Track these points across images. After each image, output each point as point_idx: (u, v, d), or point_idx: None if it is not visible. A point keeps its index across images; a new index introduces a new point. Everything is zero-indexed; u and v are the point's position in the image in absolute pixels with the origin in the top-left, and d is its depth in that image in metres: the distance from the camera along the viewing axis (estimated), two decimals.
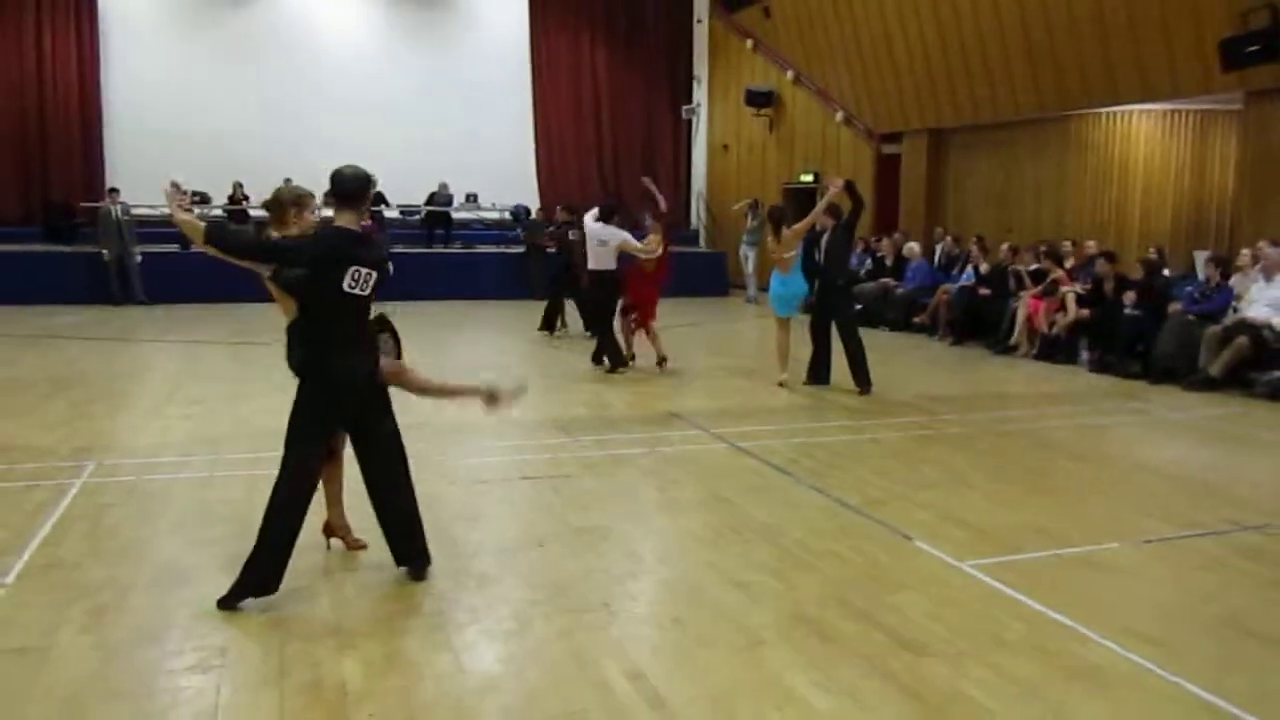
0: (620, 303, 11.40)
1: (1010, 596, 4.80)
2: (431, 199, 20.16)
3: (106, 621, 4.36)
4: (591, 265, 11.20)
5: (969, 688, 3.88)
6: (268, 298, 5.05)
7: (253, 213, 19.49)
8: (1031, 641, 4.30)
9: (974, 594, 4.84)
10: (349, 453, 5.06)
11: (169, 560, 5.13)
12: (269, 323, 14.54)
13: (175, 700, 3.72)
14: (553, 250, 15.13)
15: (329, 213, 4.87)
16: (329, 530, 5.25)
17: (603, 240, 11.06)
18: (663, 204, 11.53)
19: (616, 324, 11.38)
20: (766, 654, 4.16)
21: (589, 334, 12.40)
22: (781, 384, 10.23)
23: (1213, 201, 14.89)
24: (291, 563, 5.05)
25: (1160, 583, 5.12)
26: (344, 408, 4.80)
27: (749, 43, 21.35)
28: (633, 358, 11.51)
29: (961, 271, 14.70)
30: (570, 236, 13.85)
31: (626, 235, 11.20)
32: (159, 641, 4.20)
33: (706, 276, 20.33)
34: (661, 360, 11.22)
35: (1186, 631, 4.48)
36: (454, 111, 21.91)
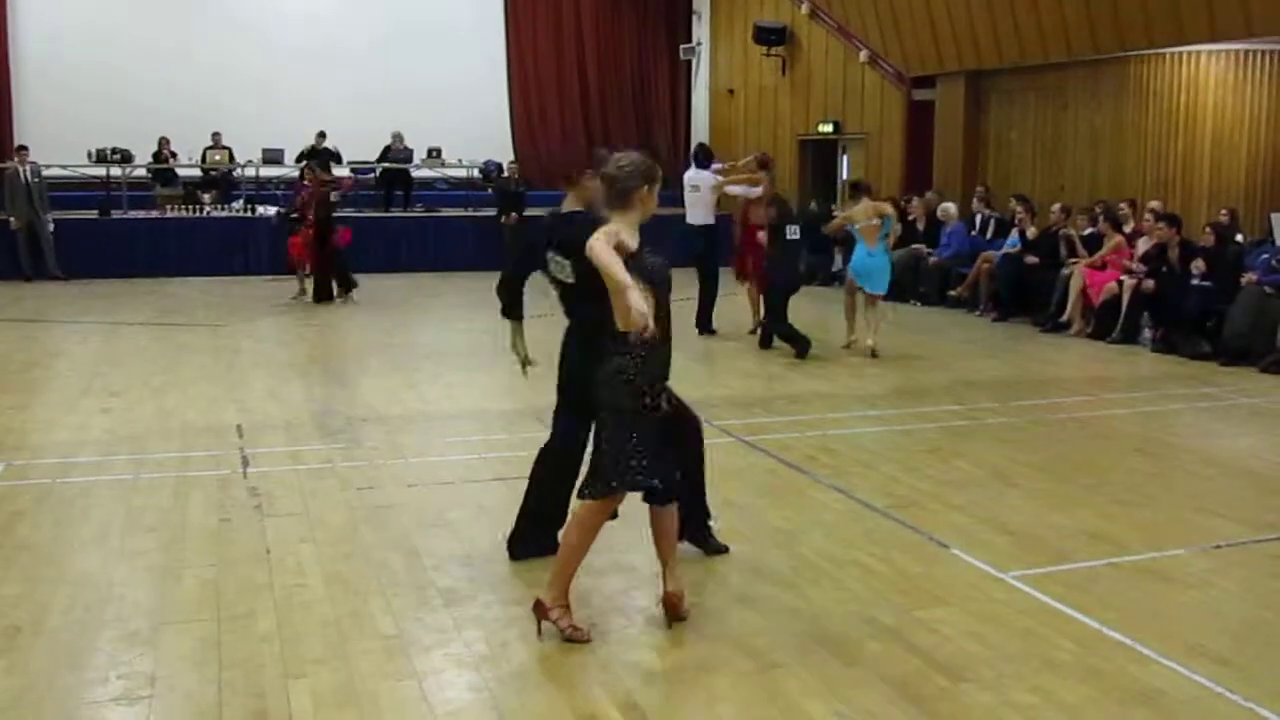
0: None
1: (1059, 611, 4.83)
2: (385, 154, 20.04)
3: (20, 645, 4.37)
4: (688, 218, 12.18)
5: (1011, 716, 3.91)
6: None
7: (181, 171, 19.44)
8: (1084, 663, 4.33)
9: (1018, 609, 4.87)
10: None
11: (90, 575, 5.14)
12: (195, 301, 14.64)
13: None
14: (295, 216, 15.25)
15: None
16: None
17: (694, 185, 12.24)
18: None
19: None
20: (780, 679, 4.18)
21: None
22: (847, 346, 11.41)
23: None
24: (226, 578, 5.10)
25: (1231, 594, 5.15)
26: None
27: None
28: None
29: (1005, 237, 14.70)
30: (332, 199, 14.70)
31: (719, 178, 12.38)
32: (80, 668, 4.21)
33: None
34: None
35: (1260, 650, 4.51)
36: (415, 55, 21.75)
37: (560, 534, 4.90)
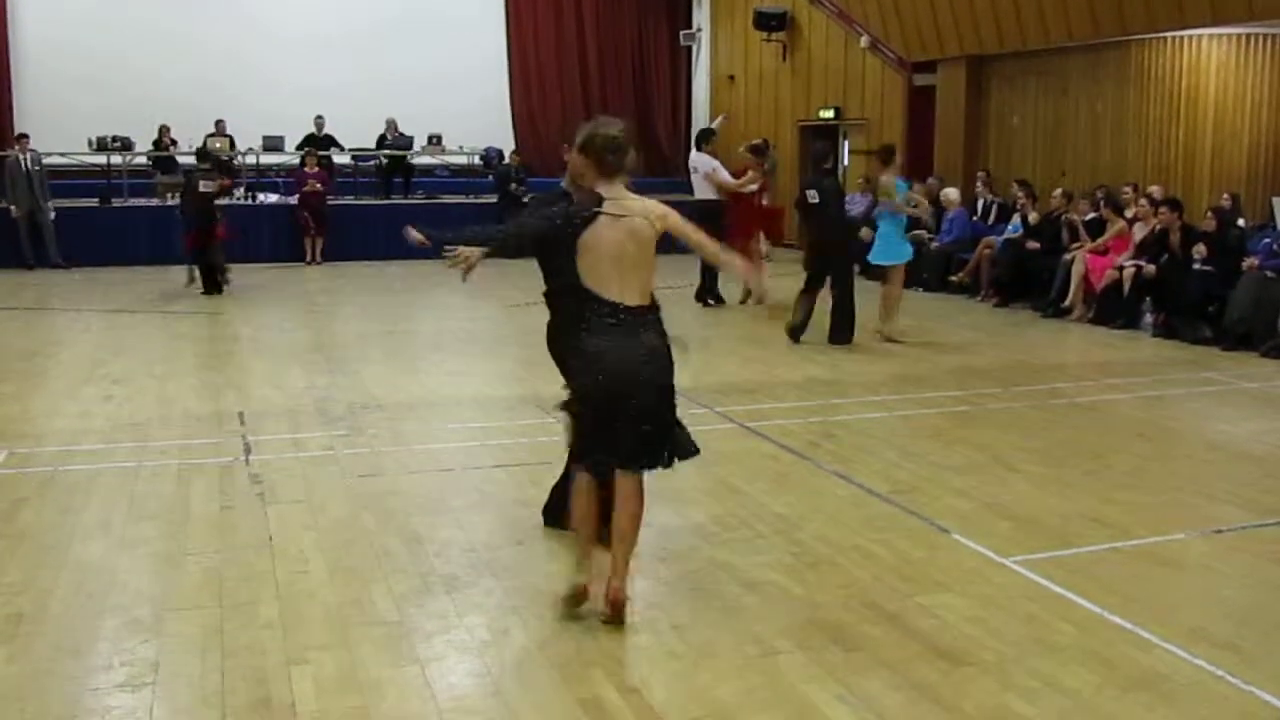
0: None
1: (1061, 596, 4.83)
2: (381, 142, 19.99)
3: (23, 633, 4.38)
4: (695, 195, 13.34)
5: (1013, 700, 3.91)
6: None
7: (181, 159, 19.41)
8: (1085, 647, 4.34)
9: (1019, 594, 4.88)
10: None
11: (92, 563, 5.15)
12: (196, 288, 14.62)
13: None
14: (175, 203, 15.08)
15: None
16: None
17: (694, 167, 13.38)
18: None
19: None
20: (781, 664, 4.19)
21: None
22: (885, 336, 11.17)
23: None
24: (228, 565, 5.11)
25: (1232, 579, 5.15)
26: None
27: None
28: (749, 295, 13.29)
29: (1006, 222, 14.69)
30: (201, 188, 14.42)
31: (716, 165, 13.37)
32: (83, 655, 4.22)
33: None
34: (760, 298, 12.93)
35: (1263, 634, 4.51)
36: (416, 41, 21.74)
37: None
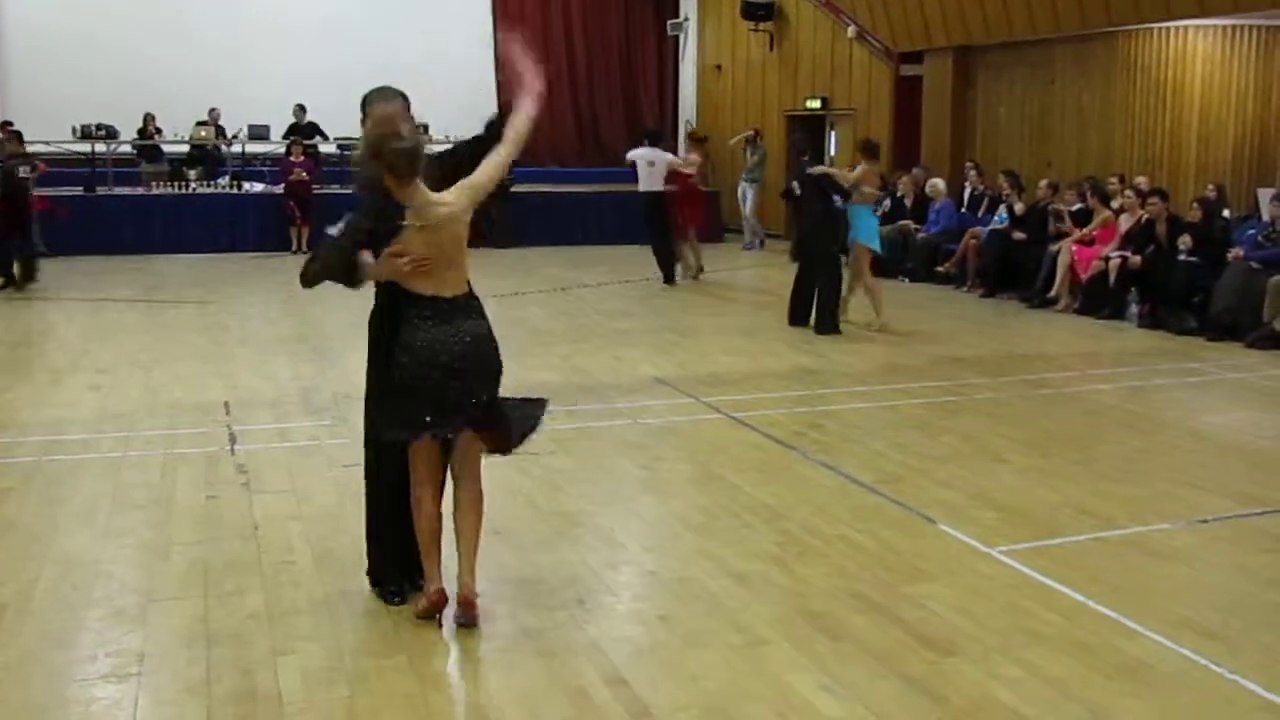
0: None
1: (1046, 585, 4.85)
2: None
3: (6, 624, 4.36)
4: (642, 187, 14.60)
5: (998, 690, 3.93)
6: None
7: (166, 148, 19.32)
8: (1070, 636, 4.35)
9: (1005, 583, 4.89)
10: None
11: (77, 553, 5.12)
12: (182, 278, 14.57)
13: (87, 713, 3.73)
14: None
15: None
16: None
17: (650, 161, 14.47)
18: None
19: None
20: (767, 654, 4.20)
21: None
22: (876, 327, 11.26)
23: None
24: (214, 556, 5.09)
25: (1217, 568, 5.18)
26: None
27: None
28: (701, 269, 14.94)
29: (993, 212, 14.71)
30: (21, 174, 14.05)
31: (670, 156, 15.01)
32: (67, 646, 4.21)
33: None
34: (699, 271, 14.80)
35: (1246, 623, 4.53)
36: (402, 30, 21.65)
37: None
